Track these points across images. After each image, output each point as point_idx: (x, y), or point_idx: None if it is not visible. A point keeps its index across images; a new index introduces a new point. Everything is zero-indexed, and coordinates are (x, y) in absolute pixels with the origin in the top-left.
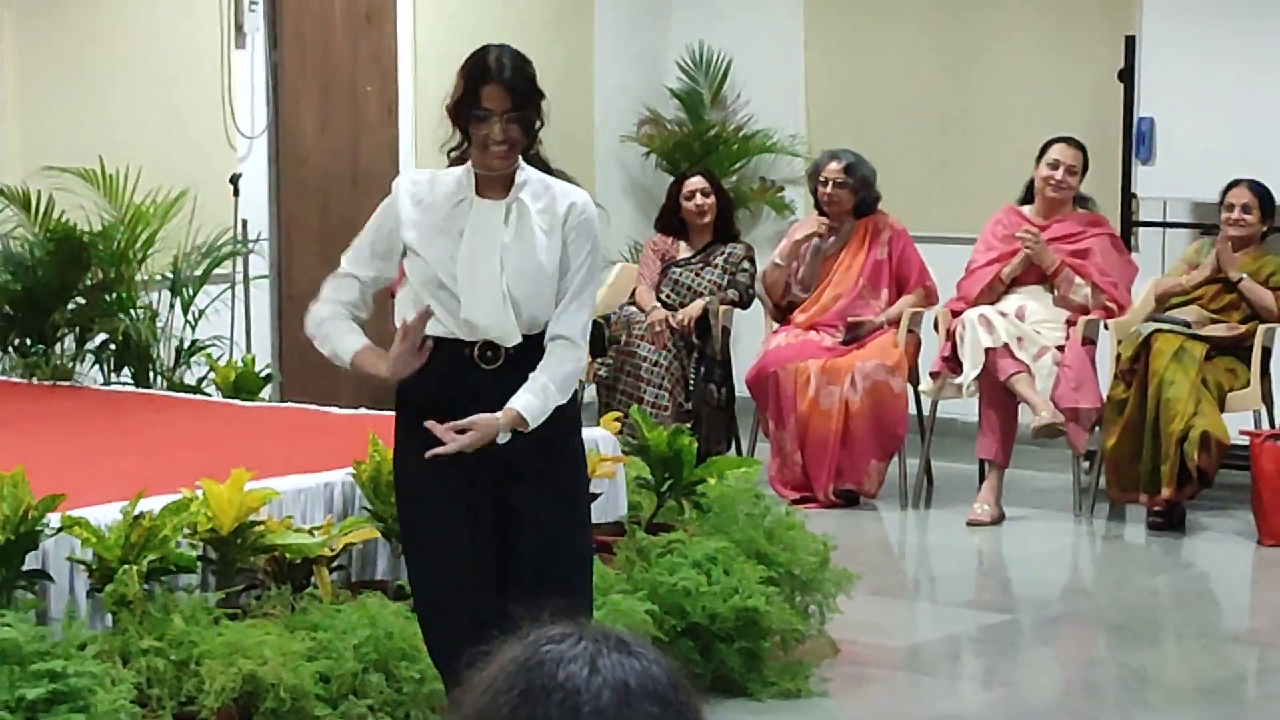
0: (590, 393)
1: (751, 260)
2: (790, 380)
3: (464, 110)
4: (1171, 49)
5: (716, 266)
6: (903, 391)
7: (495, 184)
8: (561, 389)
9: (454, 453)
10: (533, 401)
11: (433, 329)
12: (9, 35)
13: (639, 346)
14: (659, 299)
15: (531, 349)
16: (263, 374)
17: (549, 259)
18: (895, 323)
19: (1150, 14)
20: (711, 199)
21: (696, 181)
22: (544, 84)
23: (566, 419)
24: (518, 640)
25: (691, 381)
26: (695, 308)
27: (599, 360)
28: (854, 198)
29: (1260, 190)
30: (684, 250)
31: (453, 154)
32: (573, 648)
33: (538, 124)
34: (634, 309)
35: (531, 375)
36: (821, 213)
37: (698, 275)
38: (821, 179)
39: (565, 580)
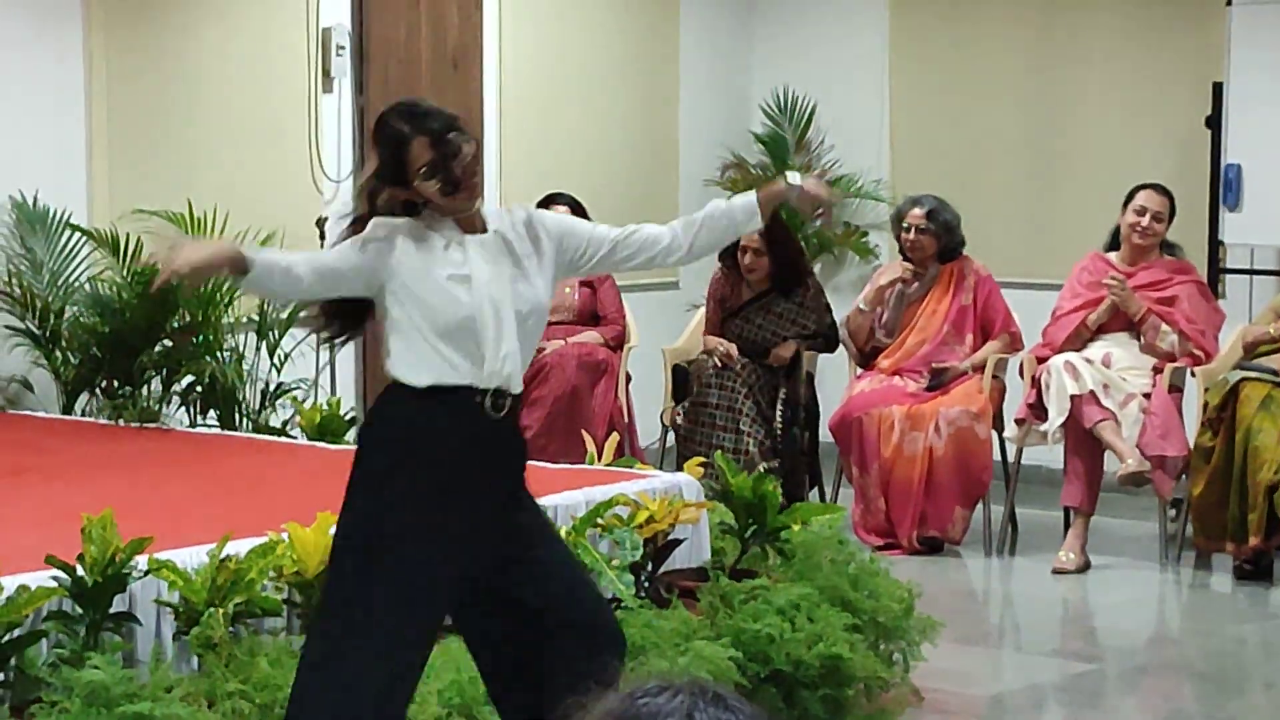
0: (670, 438)
1: (824, 304)
2: (874, 426)
3: (410, 163)
4: (1259, 96)
5: (779, 315)
6: (987, 438)
7: (469, 224)
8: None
9: None
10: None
11: (439, 376)
12: (99, 79)
13: (710, 395)
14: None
15: (518, 401)
16: (347, 417)
17: (544, 286)
18: (980, 369)
19: (1238, 61)
20: (763, 259)
21: (750, 239)
22: (628, 128)
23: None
24: (613, 694)
25: (779, 423)
26: (787, 348)
27: (679, 405)
28: (937, 243)
29: None
30: (745, 292)
31: (354, 226)
32: (669, 701)
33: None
34: (704, 357)
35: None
36: (905, 258)
37: (758, 328)
38: (904, 225)
39: (588, 581)
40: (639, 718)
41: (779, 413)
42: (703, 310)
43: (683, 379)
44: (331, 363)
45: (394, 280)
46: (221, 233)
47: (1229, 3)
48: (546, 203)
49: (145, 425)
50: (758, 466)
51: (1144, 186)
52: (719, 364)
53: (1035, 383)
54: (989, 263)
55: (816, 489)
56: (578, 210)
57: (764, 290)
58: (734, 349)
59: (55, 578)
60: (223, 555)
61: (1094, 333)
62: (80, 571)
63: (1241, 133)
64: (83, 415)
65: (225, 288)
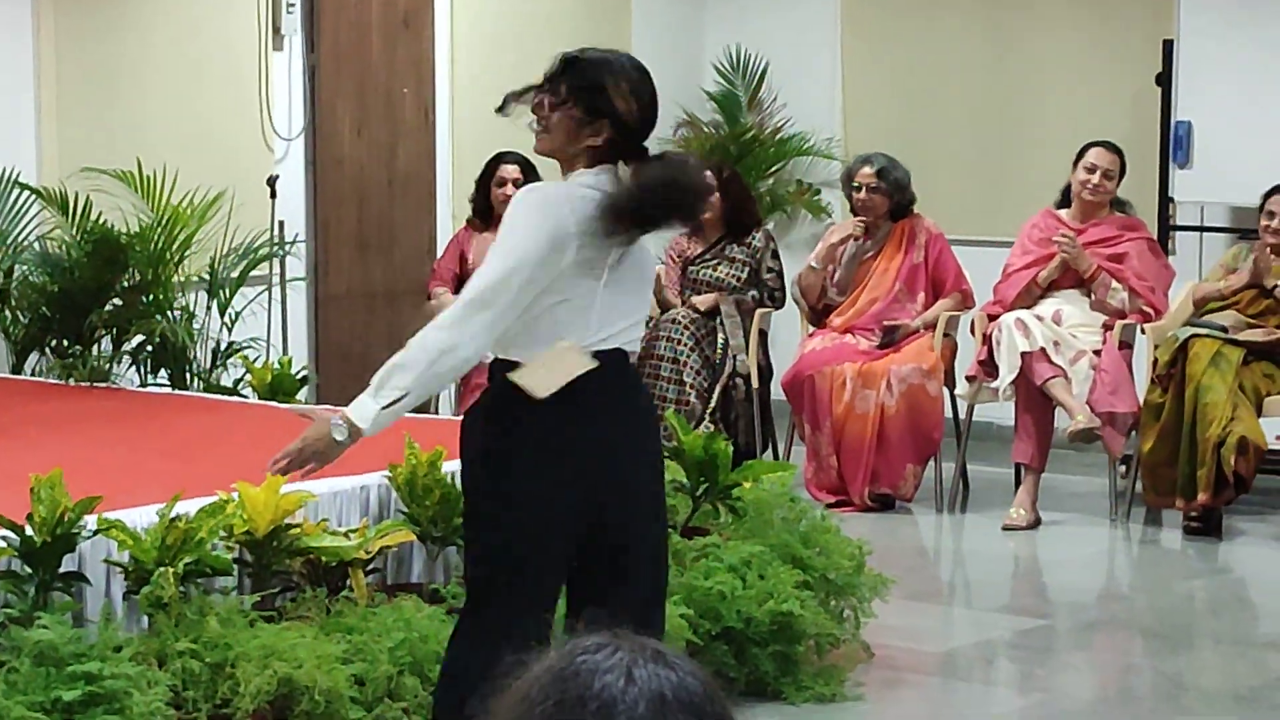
0: None
1: (774, 254)
2: (826, 384)
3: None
4: (1209, 54)
5: (735, 260)
6: (939, 395)
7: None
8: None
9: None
10: (363, 400)
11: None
12: (47, 38)
13: (656, 346)
14: (683, 301)
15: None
16: (299, 376)
17: None
18: (931, 326)
19: (1188, 19)
20: (714, 205)
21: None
22: None
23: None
24: (553, 650)
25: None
26: (706, 299)
27: None
28: (888, 202)
29: None
30: (698, 246)
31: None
32: (609, 658)
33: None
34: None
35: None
36: (856, 216)
37: (715, 270)
38: (855, 184)
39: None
40: (579, 674)
41: (715, 359)
42: (660, 269)
43: None
44: (284, 321)
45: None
46: (171, 191)
47: None
48: (495, 162)
49: (95, 384)
50: (700, 417)
51: (1094, 144)
52: (662, 316)
53: (986, 340)
54: (940, 220)
55: (769, 447)
56: (528, 170)
57: (718, 238)
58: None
59: (4, 537)
60: (172, 515)
61: (1044, 290)
62: (29, 531)
63: (1192, 90)
64: (32, 375)
65: (176, 246)
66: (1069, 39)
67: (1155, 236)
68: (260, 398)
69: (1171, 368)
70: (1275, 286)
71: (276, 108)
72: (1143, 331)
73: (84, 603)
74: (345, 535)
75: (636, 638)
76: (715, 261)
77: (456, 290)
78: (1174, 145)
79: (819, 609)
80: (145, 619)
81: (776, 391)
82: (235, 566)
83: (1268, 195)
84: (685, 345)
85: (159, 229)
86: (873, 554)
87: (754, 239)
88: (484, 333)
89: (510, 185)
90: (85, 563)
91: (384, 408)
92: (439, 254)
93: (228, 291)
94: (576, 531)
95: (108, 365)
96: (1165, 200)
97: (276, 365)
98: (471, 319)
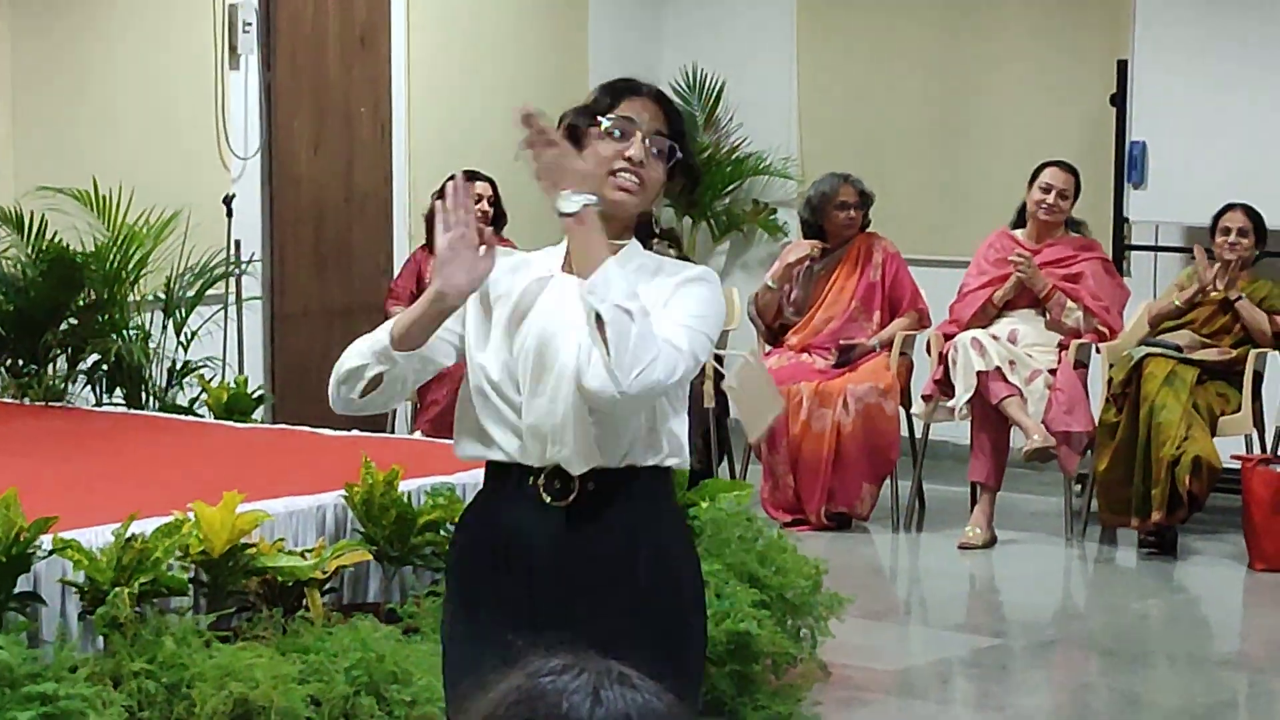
0: None
1: (681, 257)
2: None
3: (582, 124)
4: (1163, 74)
5: None
6: (895, 414)
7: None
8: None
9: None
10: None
11: (488, 453)
12: (2, 56)
13: None
14: None
15: (619, 485)
16: (255, 395)
17: None
18: (888, 345)
19: (1142, 39)
20: None
21: None
22: (538, 104)
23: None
24: (518, 670)
25: None
26: None
27: None
28: (864, 219)
29: (1254, 215)
30: None
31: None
32: (575, 679)
33: (682, 181)
34: None
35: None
36: (819, 238)
37: None
38: (839, 203)
39: None
40: (544, 695)
41: None
42: None
43: None
44: (240, 341)
45: (468, 317)
46: (127, 210)
47: None
48: (464, 180)
49: (50, 404)
50: None
51: (1049, 164)
52: None
53: (942, 359)
54: (897, 240)
55: (726, 465)
56: (497, 190)
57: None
58: None
59: None
60: (128, 534)
61: (1000, 309)
62: None
63: (1146, 110)
64: None
65: (131, 265)
66: (1024, 59)
67: (1110, 256)
68: (216, 417)
69: (1126, 387)
70: (1236, 299)
71: (233, 126)
72: (1098, 351)
73: (39, 623)
74: (301, 555)
75: (601, 660)
76: None
77: None
78: (1129, 165)
79: (776, 628)
80: (101, 639)
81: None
82: (191, 586)
83: (1221, 212)
84: None
85: (115, 248)
86: (829, 573)
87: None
88: (702, 354)
89: (485, 202)
90: (40, 583)
91: (618, 296)
92: (396, 273)
93: (183, 311)
94: None
95: (63, 384)
96: (1120, 220)
97: (232, 384)
98: (698, 337)
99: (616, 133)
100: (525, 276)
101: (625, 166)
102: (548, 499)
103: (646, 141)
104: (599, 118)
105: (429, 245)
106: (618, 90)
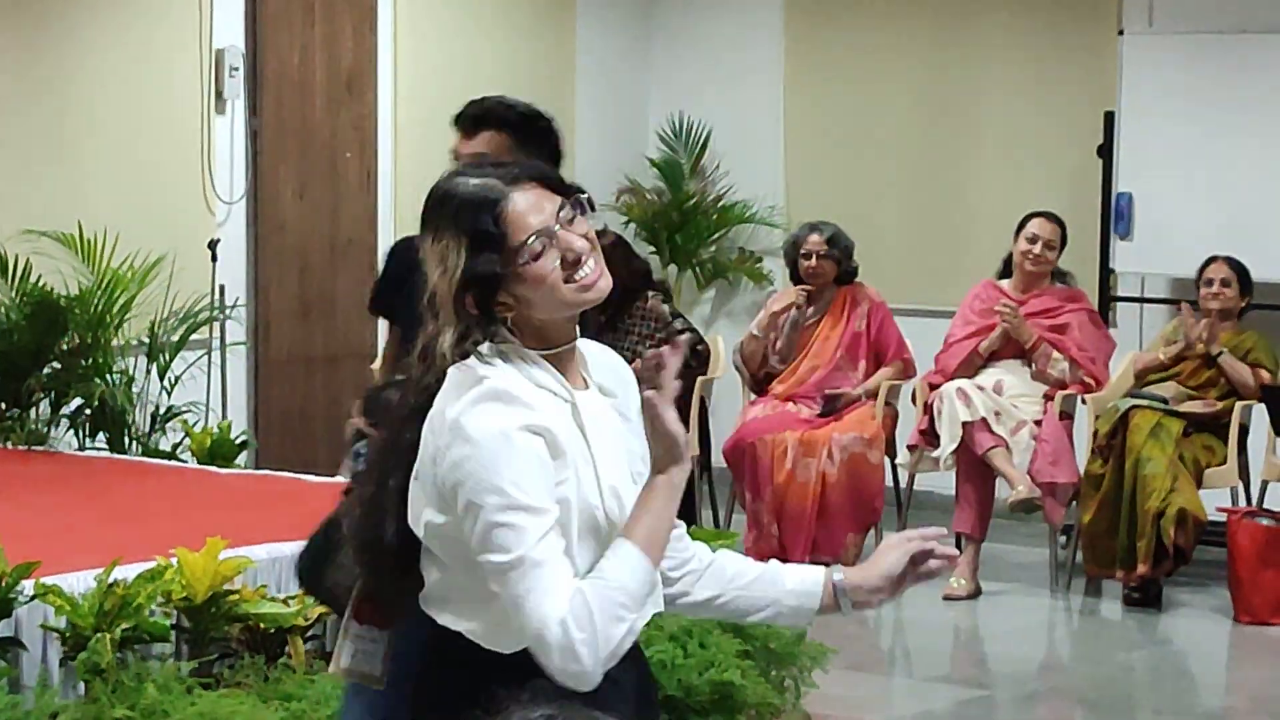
0: None
1: (673, 312)
2: (767, 452)
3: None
4: (1150, 126)
5: (631, 333)
6: (880, 464)
7: (563, 364)
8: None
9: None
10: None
11: None
12: None
13: None
14: None
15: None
16: (238, 441)
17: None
18: (873, 395)
19: (1129, 91)
20: None
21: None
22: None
23: None
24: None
25: None
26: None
27: None
28: (836, 269)
29: (1238, 266)
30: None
31: (468, 345)
32: None
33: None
34: None
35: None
36: (800, 284)
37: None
38: (804, 252)
39: None
40: None
41: None
42: None
43: None
44: (224, 386)
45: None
46: (111, 254)
47: (1120, 32)
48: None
49: (33, 448)
50: None
51: (1036, 214)
52: None
53: (927, 409)
54: (883, 290)
55: (710, 514)
56: None
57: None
58: None
59: None
60: (110, 580)
61: (986, 360)
62: None
63: (1132, 162)
64: None
65: (116, 310)
66: (1011, 110)
67: (1096, 307)
68: (199, 462)
69: (1112, 438)
70: (1219, 355)
71: (218, 171)
72: (1083, 402)
73: (20, 669)
74: (284, 602)
75: (581, 708)
76: (610, 337)
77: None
78: (1115, 216)
79: (760, 678)
80: (82, 685)
81: (717, 459)
82: (173, 632)
83: (1206, 264)
84: None
85: (99, 292)
86: (813, 624)
87: (645, 309)
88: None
89: None
90: (22, 628)
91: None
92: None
93: (167, 355)
94: None
95: (46, 428)
96: (1106, 271)
97: (216, 430)
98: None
99: (537, 244)
100: (541, 403)
101: (574, 260)
102: None
103: (567, 215)
104: (521, 248)
105: None
106: (482, 164)
